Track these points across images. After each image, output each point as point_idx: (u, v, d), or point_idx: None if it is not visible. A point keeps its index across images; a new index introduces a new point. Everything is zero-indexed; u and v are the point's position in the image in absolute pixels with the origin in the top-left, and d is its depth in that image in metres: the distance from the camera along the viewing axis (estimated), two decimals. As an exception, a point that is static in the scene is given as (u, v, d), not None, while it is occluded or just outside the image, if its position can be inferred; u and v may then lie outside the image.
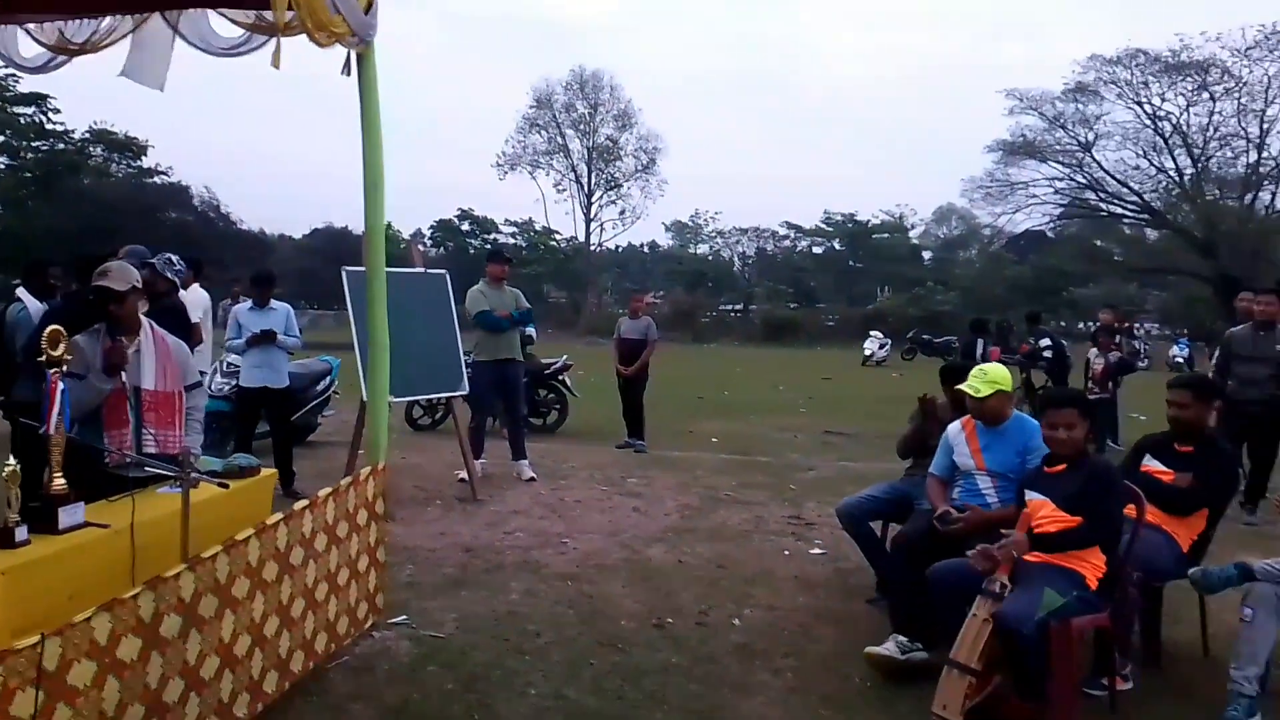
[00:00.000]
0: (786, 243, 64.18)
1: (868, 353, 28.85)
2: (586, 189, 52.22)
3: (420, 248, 28.73)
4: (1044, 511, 3.64)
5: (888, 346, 29.91)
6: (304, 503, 3.61)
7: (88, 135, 38.31)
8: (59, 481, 3.00)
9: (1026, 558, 3.56)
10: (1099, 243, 46.87)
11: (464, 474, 7.34)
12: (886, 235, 58.75)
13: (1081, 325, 39.67)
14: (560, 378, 11.06)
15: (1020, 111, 41.44)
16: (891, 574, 4.40)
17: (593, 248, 54.78)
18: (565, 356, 11.40)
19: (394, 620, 4.36)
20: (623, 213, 53.31)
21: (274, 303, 7.32)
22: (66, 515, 2.95)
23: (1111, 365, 9.98)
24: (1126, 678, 3.76)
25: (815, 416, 13.86)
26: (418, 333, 6.79)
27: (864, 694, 3.73)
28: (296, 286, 34.74)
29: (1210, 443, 4.22)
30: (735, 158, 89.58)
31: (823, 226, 60.37)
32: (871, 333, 30.93)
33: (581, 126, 51.29)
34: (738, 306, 53.02)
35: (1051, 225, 46.88)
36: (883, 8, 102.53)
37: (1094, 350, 10.19)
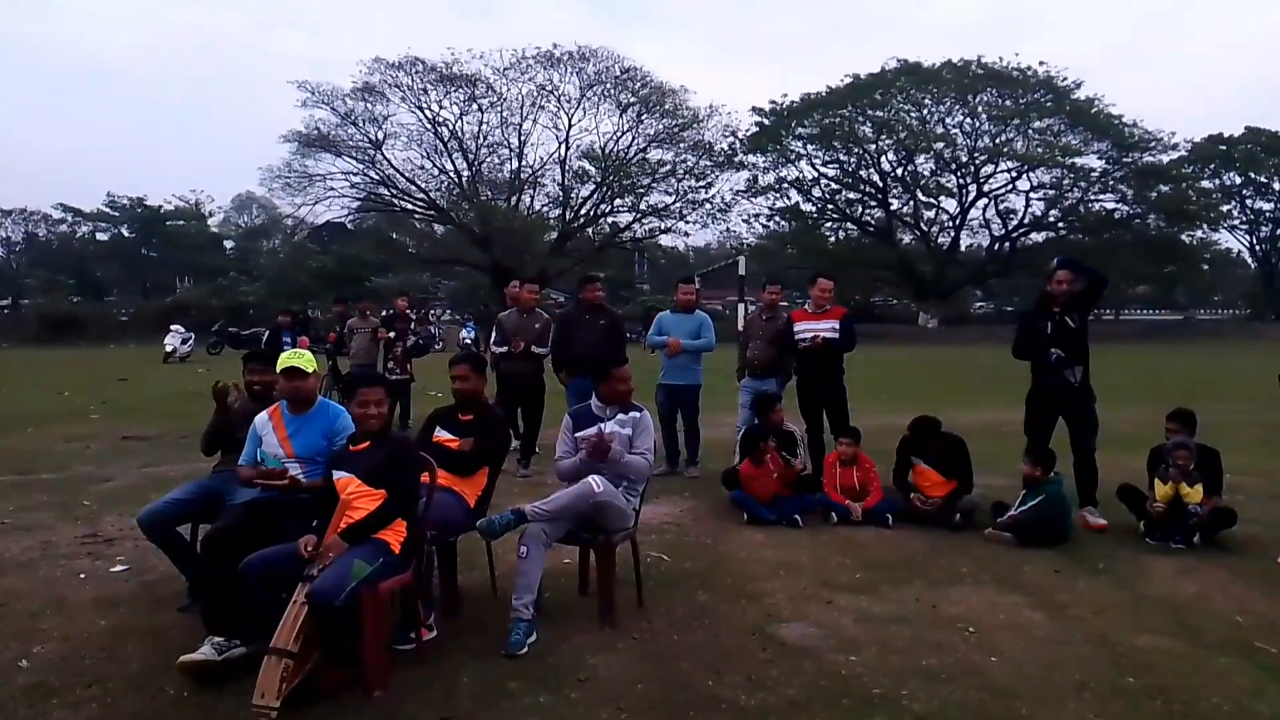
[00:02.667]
0: (64, 228, 56.20)
1: (169, 349, 26.85)
2: None
3: None
4: (351, 488, 3.88)
5: (191, 341, 28.24)
6: None
7: None
8: None
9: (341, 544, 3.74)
10: (395, 235, 50.38)
11: None
12: (183, 222, 54.94)
13: (386, 312, 42.26)
14: None
15: (313, 105, 42.45)
16: (204, 575, 4.23)
17: None
18: None
19: None
20: None
21: None
22: None
23: (409, 348, 10.89)
24: (431, 627, 4.19)
25: (111, 422, 12.48)
26: None
27: (181, 706, 3.54)
28: None
29: (487, 409, 4.90)
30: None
31: (107, 210, 54.14)
32: (173, 327, 28.73)
33: None
34: (5, 301, 44.90)
35: (351, 217, 49.08)
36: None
37: (393, 334, 10.98)
